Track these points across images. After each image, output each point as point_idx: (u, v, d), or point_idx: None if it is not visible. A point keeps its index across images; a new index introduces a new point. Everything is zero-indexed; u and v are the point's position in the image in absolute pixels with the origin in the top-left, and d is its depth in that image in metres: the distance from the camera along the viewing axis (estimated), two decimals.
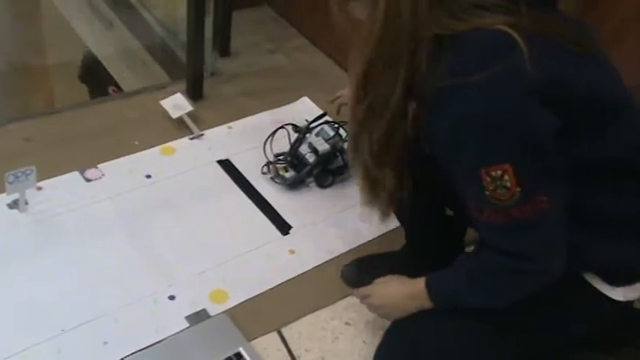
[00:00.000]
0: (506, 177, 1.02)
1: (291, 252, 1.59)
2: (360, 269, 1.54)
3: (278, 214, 1.68)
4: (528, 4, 1.02)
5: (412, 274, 1.27)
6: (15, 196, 1.53)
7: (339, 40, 1.14)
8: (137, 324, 1.37)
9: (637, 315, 1.30)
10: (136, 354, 1.31)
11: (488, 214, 1.07)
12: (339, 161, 1.76)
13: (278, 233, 1.63)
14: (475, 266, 1.16)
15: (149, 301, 1.42)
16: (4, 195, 1.53)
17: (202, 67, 2.00)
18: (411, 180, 1.21)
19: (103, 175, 1.69)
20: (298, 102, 2.06)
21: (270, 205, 1.69)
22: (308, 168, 1.72)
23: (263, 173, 1.77)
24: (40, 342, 1.31)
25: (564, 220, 1.08)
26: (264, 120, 1.95)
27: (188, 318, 1.40)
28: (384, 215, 1.27)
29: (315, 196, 1.75)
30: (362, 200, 1.25)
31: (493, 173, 1.02)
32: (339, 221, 1.68)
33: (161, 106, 1.89)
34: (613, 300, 1.16)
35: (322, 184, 1.76)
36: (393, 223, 1.57)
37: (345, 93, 1.64)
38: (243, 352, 1.33)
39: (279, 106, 2.03)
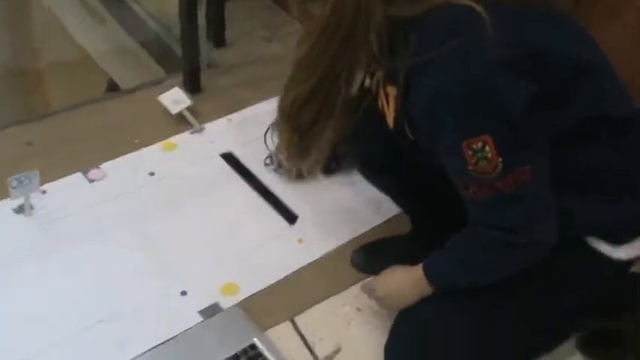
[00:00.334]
0: (487, 148, 1.02)
1: (300, 241, 1.59)
2: (369, 254, 1.55)
3: (284, 204, 1.68)
4: None
5: (420, 257, 1.27)
6: (20, 200, 1.53)
7: None
8: (151, 321, 1.38)
9: (636, 279, 1.31)
10: (151, 351, 1.32)
11: (473, 189, 1.08)
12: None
13: (285, 223, 1.63)
14: (465, 245, 1.18)
15: (161, 297, 1.43)
16: (8, 200, 1.53)
17: (198, 59, 1.99)
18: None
19: (106, 175, 1.69)
20: None
21: (275, 196, 1.69)
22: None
23: (266, 165, 1.76)
24: (54, 344, 1.32)
25: (549, 189, 1.08)
26: (264, 110, 1.94)
27: (201, 312, 1.41)
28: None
29: (320, 183, 1.75)
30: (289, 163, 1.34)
31: (474, 146, 1.03)
32: (346, 208, 1.68)
33: (159, 102, 1.88)
34: (613, 262, 1.16)
35: (327, 171, 1.75)
36: (398, 209, 1.58)
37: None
38: (258, 343, 1.34)
39: (278, 94, 2.01)
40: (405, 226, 1.56)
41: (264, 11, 2.46)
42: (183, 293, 1.44)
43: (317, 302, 1.47)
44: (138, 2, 2.36)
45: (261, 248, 1.57)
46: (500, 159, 1.02)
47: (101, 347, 1.32)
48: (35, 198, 1.56)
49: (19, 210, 1.55)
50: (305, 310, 1.45)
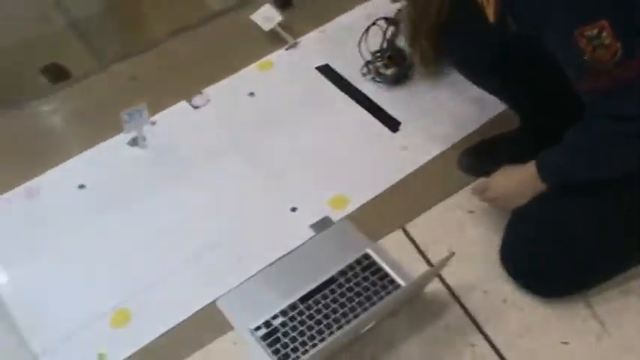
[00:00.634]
0: (604, 34, 0.96)
1: (404, 148, 1.58)
2: (478, 156, 1.52)
3: (385, 112, 1.65)
4: None
5: (531, 155, 1.24)
6: (133, 134, 1.61)
7: None
8: (266, 239, 1.43)
9: None
10: (268, 267, 1.38)
11: (591, 80, 1.02)
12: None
13: (388, 131, 1.62)
14: (585, 138, 1.13)
15: (273, 215, 1.47)
16: (122, 135, 1.61)
17: None
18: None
19: (209, 100, 1.72)
20: None
21: (375, 104, 1.67)
22: (409, 61, 1.66)
23: (363, 74, 1.73)
24: (179, 265, 1.40)
25: None
26: (357, 16, 1.89)
27: (313, 226, 1.44)
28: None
29: (420, 88, 1.70)
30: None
31: (589, 33, 0.97)
32: (448, 110, 1.64)
33: (252, 21, 1.88)
34: None
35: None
36: (502, 105, 1.52)
37: None
38: (371, 253, 1.36)
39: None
40: (510, 124, 1.50)
41: None
42: (294, 209, 1.48)
43: (428, 209, 1.46)
44: None
45: (366, 159, 1.57)
46: (619, 44, 0.96)
47: (220, 268, 1.39)
48: (147, 130, 1.63)
49: (133, 142, 1.63)
50: (416, 217, 1.45)
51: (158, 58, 1.86)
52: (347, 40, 1.80)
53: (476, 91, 1.50)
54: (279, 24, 1.86)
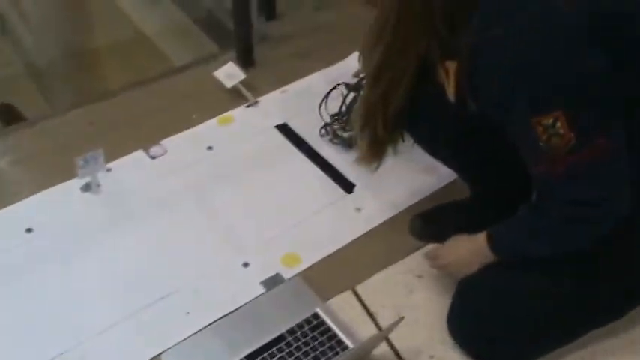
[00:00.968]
0: (558, 124, 0.99)
1: (358, 210, 1.60)
2: (428, 221, 1.54)
3: (341, 173, 1.68)
4: None
5: (480, 225, 1.26)
6: (87, 179, 1.59)
7: None
8: (215, 293, 1.41)
9: None
10: (216, 322, 1.36)
11: (545, 165, 1.05)
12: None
13: (343, 192, 1.64)
14: (535, 218, 1.15)
15: (224, 269, 1.46)
16: (76, 180, 1.58)
17: (250, 33, 1.99)
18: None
19: (167, 151, 1.73)
20: (350, 58, 2.03)
21: (332, 166, 1.70)
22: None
23: (321, 135, 1.77)
24: (125, 316, 1.37)
25: (625, 161, 1.04)
26: (318, 80, 1.94)
27: (264, 283, 1.44)
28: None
29: None
30: (362, 161, 1.35)
31: (545, 122, 1.00)
32: (403, 176, 1.68)
33: (214, 77, 1.90)
34: None
35: None
36: (455, 174, 1.57)
37: None
38: (321, 313, 1.36)
39: (331, 63, 2.01)
40: (462, 192, 1.55)
41: None
42: (246, 265, 1.47)
43: (378, 271, 1.48)
44: None
45: (320, 218, 1.58)
46: (572, 134, 0.99)
47: (167, 320, 1.36)
48: (101, 176, 1.61)
49: (87, 188, 1.61)
50: (366, 279, 1.46)
51: (117, 107, 1.86)
52: (307, 102, 1.84)
53: (430, 160, 1.54)
54: (241, 82, 1.90)
